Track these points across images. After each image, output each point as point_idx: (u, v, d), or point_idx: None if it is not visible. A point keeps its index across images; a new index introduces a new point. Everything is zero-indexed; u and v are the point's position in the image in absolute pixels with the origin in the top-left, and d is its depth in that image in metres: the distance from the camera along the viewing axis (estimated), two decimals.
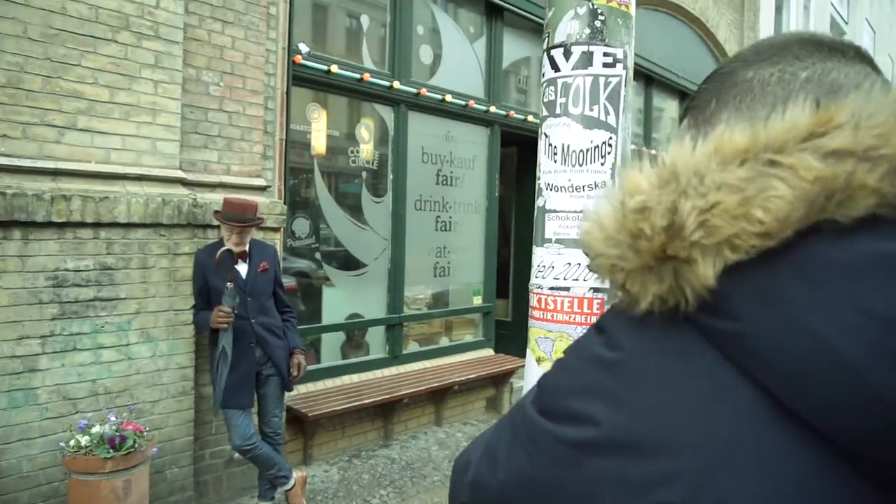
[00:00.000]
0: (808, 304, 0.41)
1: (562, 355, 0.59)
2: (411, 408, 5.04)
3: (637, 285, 0.48)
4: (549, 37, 1.68)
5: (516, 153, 6.81)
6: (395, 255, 5.10)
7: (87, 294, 3.09)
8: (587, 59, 1.61)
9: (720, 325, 0.45)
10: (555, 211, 1.65)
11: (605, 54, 1.59)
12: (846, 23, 15.14)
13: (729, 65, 0.60)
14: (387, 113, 5.05)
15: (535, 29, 6.27)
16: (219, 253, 3.15)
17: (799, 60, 0.55)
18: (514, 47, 6.12)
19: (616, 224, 0.49)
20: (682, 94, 8.68)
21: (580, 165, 1.60)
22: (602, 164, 1.60)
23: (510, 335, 6.72)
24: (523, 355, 5.90)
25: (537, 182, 1.73)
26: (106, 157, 3.17)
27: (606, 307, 0.60)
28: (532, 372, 1.74)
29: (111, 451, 2.82)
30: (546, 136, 1.69)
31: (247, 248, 3.36)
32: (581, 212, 1.60)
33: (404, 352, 5.26)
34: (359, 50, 4.93)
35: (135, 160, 3.27)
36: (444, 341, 5.78)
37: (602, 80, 1.60)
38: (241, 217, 3.22)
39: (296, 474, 3.61)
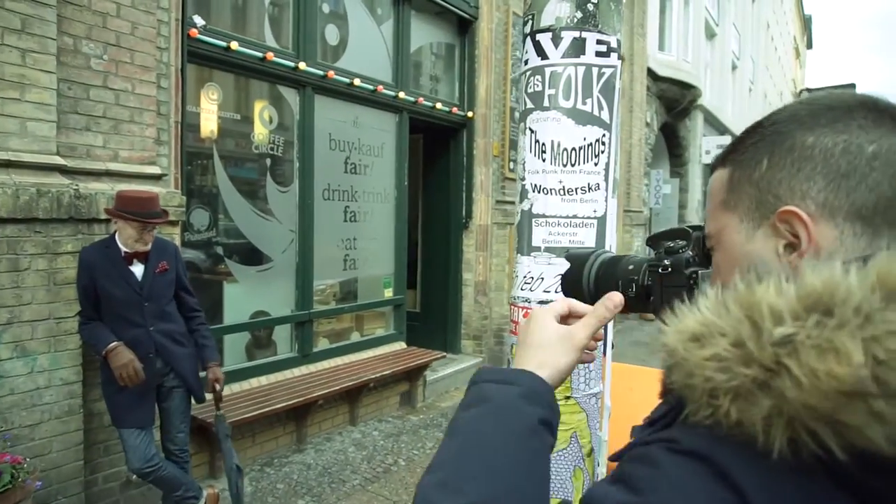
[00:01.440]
0: None
1: (623, 468, 0.50)
2: (325, 409, 4.78)
3: (753, 420, 0.42)
4: (532, 19, 1.49)
5: (423, 141, 6.66)
6: (303, 248, 4.79)
7: None
8: (579, 47, 1.45)
9: (877, 483, 0.40)
10: (543, 216, 1.47)
11: (599, 42, 1.44)
12: (717, 25, 16.28)
13: (781, 123, 0.57)
14: (291, 96, 4.70)
15: (441, 13, 6.14)
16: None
17: (864, 132, 0.53)
18: (420, 32, 5.94)
19: (740, 351, 0.43)
20: None
21: (572, 165, 1.43)
22: (595, 165, 1.44)
23: (420, 326, 6.60)
24: (435, 347, 5.80)
25: (521, 183, 1.54)
26: None
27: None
28: None
29: None
30: (532, 132, 1.50)
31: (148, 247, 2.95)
32: (574, 216, 1.44)
33: (314, 350, 4.98)
34: (261, 27, 4.54)
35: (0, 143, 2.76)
36: (356, 337, 5.54)
37: (595, 70, 1.44)
38: (146, 212, 2.82)
39: (206, 492, 3.27)
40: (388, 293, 5.80)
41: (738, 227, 0.58)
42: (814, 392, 0.40)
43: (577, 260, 0.90)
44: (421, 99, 5.79)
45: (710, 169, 0.68)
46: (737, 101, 19.16)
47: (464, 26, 6.40)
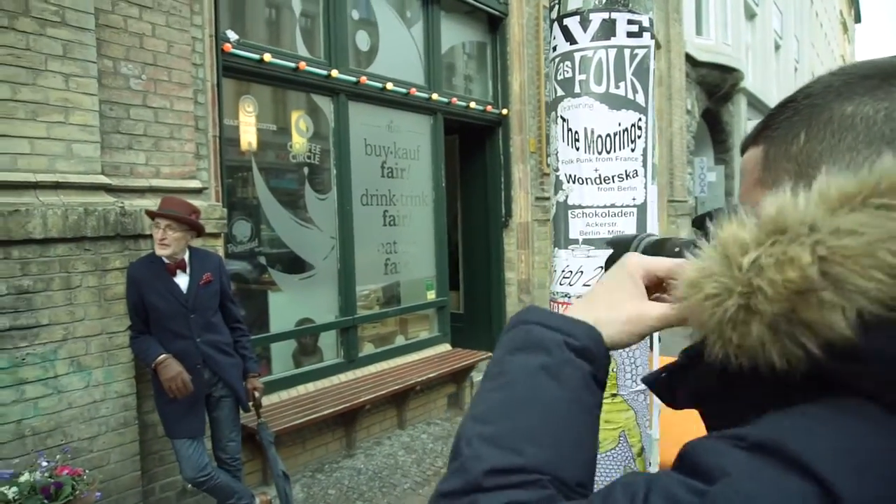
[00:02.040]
0: None
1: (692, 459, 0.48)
2: (373, 413, 4.79)
3: (752, 342, 0.47)
4: (559, 3, 1.43)
5: (458, 141, 6.63)
6: (344, 254, 4.82)
7: (2, 323, 2.68)
8: (609, 29, 1.38)
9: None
10: (580, 206, 1.41)
11: (630, 22, 1.37)
12: (756, 5, 15.76)
13: (815, 95, 0.56)
14: (325, 104, 4.74)
15: (470, 12, 6.10)
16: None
17: None
18: (451, 32, 5.92)
19: (722, 284, 0.49)
20: None
21: (608, 152, 1.37)
22: (632, 151, 1.37)
23: (464, 328, 6.57)
24: (480, 347, 5.75)
25: (555, 175, 1.48)
26: (11, 163, 2.75)
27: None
28: None
29: (46, 501, 2.45)
30: (563, 120, 1.44)
31: (185, 256, 3.01)
32: (612, 206, 1.37)
33: (360, 355, 5.00)
34: (292, 38, 4.60)
35: (47, 166, 2.86)
36: (401, 340, 5.55)
37: (627, 52, 1.37)
38: (160, 210, 2.88)
39: (258, 499, 3.31)
40: (431, 295, 5.79)
41: None
42: (777, 299, 0.45)
43: (620, 245, 0.87)
44: (455, 99, 5.76)
45: (741, 149, 0.66)
46: (782, 81, 18.50)
47: (494, 23, 6.35)
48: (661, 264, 0.66)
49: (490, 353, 5.49)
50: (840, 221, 0.44)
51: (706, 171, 11.89)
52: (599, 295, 0.67)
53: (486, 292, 6.64)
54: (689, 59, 10.86)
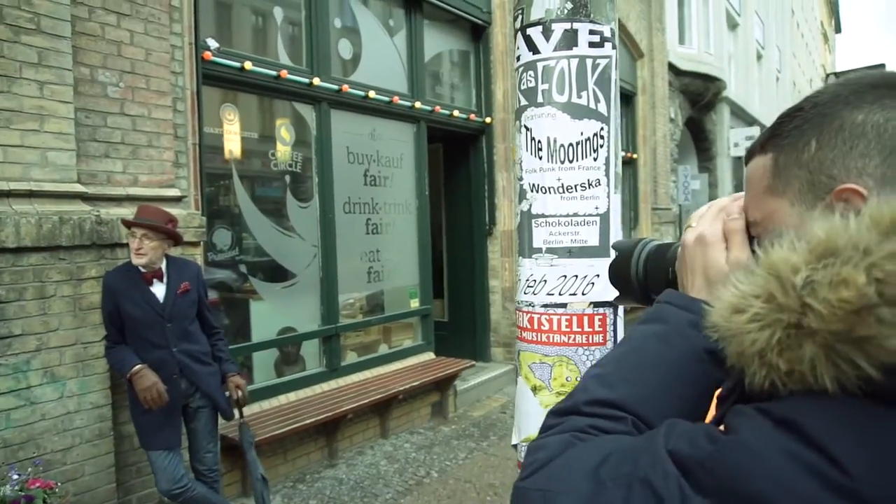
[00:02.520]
0: None
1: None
2: (355, 422, 4.76)
3: (802, 366, 0.47)
4: (522, 14, 1.45)
5: (442, 149, 6.65)
6: (327, 263, 4.80)
7: None
8: (571, 39, 1.39)
9: None
10: (543, 216, 1.42)
11: (592, 32, 1.38)
12: (739, 15, 15.98)
13: (824, 104, 0.58)
14: (307, 112, 4.73)
15: (454, 21, 6.13)
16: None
17: None
18: (434, 40, 5.94)
19: (772, 305, 0.49)
20: None
21: (570, 161, 1.38)
22: (595, 160, 1.38)
23: (449, 336, 6.56)
24: (464, 356, 5.74)
25: (518, 184, 1.49)
26: None
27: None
28: (526, 403, 1.49)
29: None
30: (527, 130, 1.45)
31: (162, 265, 2.99)
32: (574, 215, 1.38)
33: (343, 364, 4.98)
34: (273, 46, 4.59)
35: (21, 174, 2.83)
36: (384, 349, 5.53)
37: (589, 62, 1.39)
38: (136, 219, 2.86)
39: None
40: (415, 303, 5.78)
41: (789, 210, 0.60)
42: (832, 319, 0.46)
43: (623, 249, 0.89)
44: (438, 108, 5.78)
45: (746, 158, 0.69)
46: (764, 90, 18.74)
47: (477, 32, 6.39)
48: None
49: (475, 362, 5.48)
50: (895, 246, 0.45)
51: (690, 178, 12.00)
52: (704, 270, 0.73)
53: (470, 300, 6.64)
54: (672, 68, 10.97)
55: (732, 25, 15.64)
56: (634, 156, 9.86)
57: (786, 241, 0.51)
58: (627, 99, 9.72)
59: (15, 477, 2.54)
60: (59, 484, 2.65)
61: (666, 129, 10.62)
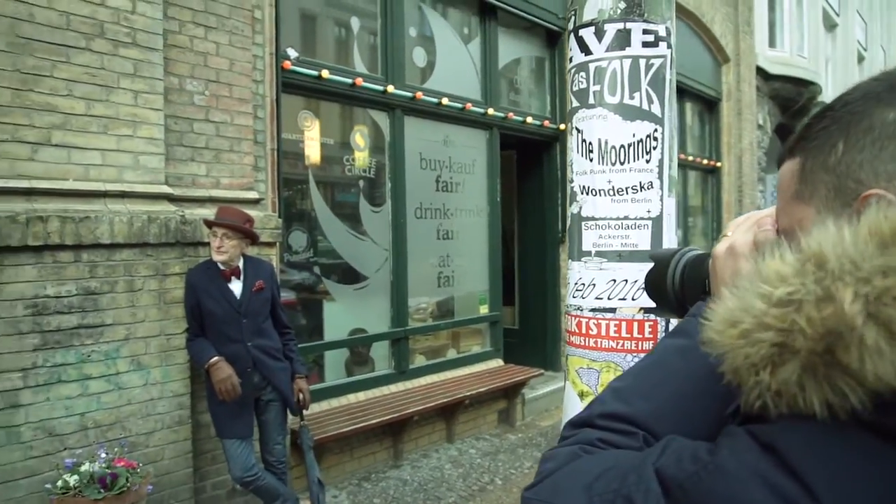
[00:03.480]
0: None
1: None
2: (421, 425, 4.81)
3: (790, 387, 0.44)
4: (575, 15, 1.43)
5: (516, 156, 6.63)
6: (397, 266, 4.89)
7: (71, 322, 2.87)
8: (624, 39, 1.36)
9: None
10: (593, 218, 1.39)
11: (646, 31, 1.35)
12: (837, 15, 15.05)
13: (854, 102, 0.53)
14: (382, 119, 4.85)
15: (529, 28, 6.12)
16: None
17: None
18: (508, 47, 5.95)
19: (758, 320, 0.46)
20: (679, 91, 8.52)
21: (621, 164, 1.35)
22: (647, 162, 1.35)
23: (518, 343, 6.50)
24: (533, 364, 5.67)
25: (569, 186, 1.47)
26: (84, 173, 2.96)
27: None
28: (574, 409, 1.46)
29: (102, 490, 2.60)
30: (578, 132, 1.43)
31: (240, 264, 3.15)
32: (625, 218, 1.35)
33: (411, 366, 5.04)
34: (350, 54, 4.74)
35: (116, 176, 3.06)
36: (452, 353, 5.55)
37: (643, 62, 1.35)
38: (217, 219, 3.02)
39: (302, 503, 3.38)
40: (484, 309, 5.78)
41: (815, 218, 0.55)
42: (814, 337, 0.42)
43: (660, 260, 0.85)
44: (511, 114, 5.77)
45: (777, 163, 0.65)
46: None
47: (552, 38, 6.34)
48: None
49: (544, 371, 5.40)
50: (892, 260, 0.41)
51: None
52: (731, 282, 0.71)
53: (541, 308, 6.57)
54: (761, 72, 10.46)
55: (831, 26, 14.74)
56: (718, 164, 9.47)
57: (777, 250, 0.48)
58: (711, 105, 9.35)
59: (103, 455, 2.74)
60: (140, 465, 2.83)
61: (753, 136, 10.13)
